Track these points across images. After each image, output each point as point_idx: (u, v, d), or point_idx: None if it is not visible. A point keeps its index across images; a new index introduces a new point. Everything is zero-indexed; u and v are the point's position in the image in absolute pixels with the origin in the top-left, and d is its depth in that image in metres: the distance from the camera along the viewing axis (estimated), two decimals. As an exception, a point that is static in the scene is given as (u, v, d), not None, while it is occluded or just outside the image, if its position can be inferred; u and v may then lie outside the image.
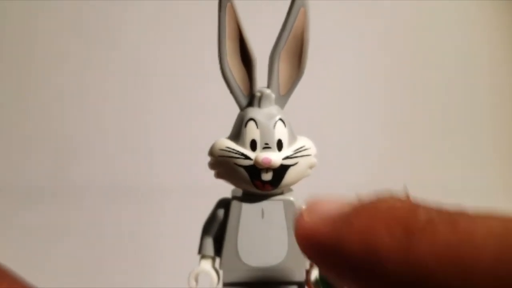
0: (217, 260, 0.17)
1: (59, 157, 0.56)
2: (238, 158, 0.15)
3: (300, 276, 0.16)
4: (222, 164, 0.16)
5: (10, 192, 0.52)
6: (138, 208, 0.49)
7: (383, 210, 0.11)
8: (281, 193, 0.16)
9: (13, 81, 0.59)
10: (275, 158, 0.15)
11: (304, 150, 0.16)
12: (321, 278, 0.15)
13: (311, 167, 0.16)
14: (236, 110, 0.17)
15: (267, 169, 0.15)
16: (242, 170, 0.15)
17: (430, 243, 0.09)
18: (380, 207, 0.11)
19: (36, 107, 0.58)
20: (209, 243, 0.17)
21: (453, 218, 0.10)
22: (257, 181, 0.15)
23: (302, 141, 0.16)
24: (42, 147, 0.57)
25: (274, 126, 0.15)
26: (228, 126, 0.17)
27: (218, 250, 0.17)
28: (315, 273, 0.16)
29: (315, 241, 0.12)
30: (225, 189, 0.17)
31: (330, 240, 0.11)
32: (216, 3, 0.15)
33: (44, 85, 0.59)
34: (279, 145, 0.15)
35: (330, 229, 0.11)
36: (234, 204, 0.16)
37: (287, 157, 0.15)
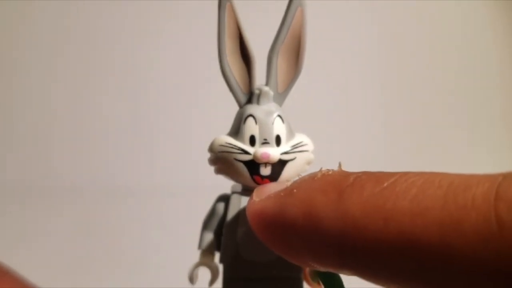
0: (217, 254, 0.17)
1: (59, 157, 0.57)
2: (237, 153, 0.15)
3: (298, 270, 0.16)
4: (221, 160, 0.16)
5: (11, 191, 0.52)
6: (138, 208, 0.49)
7: (318, 178, 0.12)
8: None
9: (10, 80, 0.59)
10: (274, 153, 0.15)
11: (302, 146, 0.16)
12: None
13: (308, 163, 0.17)
14: (235, 111, 0.17)
15: (266, 164, 0.15)
16: (241, 165, 0.15)
17: (357, 195, 0.11)
18: (315, 177, 0.12)
19: (34, 105, 0.58)
20: (209, 237, 0.17)
21: (378, 175, 0.11)
22: (256, 176, 0.16)
23: (300, 137, 0.16)
24: (44, 147, 0.57)
25: (273, 122, 0.16)
26: (228, 126, 0.17)
27: (218, 244, 0.17)
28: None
29: (263, 216, 0.13)
30: (225, 189, 0.18)
31: (275, 212, 0.12)
32: (216, 3, 0.16)
33: (42, 83, 0.59)
34: (278, 140, 0.16)
35: (275, 202, 0.13)
36: (234, 197, 0.17)
37: (285, 152, 0.16)
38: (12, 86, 0.59)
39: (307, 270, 0.16)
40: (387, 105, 0.61)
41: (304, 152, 0.16)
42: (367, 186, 0.11)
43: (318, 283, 0.16)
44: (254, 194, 0.14)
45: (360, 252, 0.10)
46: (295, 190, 0.12)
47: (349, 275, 0.12)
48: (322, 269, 0.12)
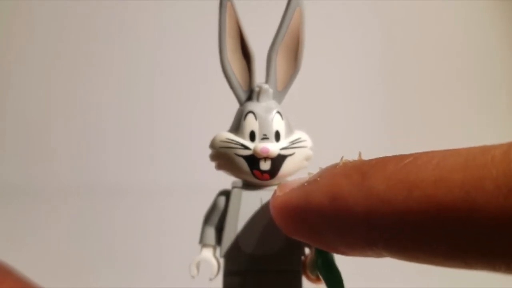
0: (218, 249, 0.17)
1: (58, 156, 0.57)
2: (237, 148, 0.16)
3: (298, 265, 0.17)
4: (222, 155, 0.16)
5: (13, 191, 0.52)
6: (137, 207, 0.50)
7: (340, 166, 0.13)
8: (279, 184, 0.17)
9: (10, 80, 0.59)
10: (273, 147, 0.16)
11: (300, 141, 0.17)
12: (320, 256, 0.16)
13: (307, 159, 0.17)
14: (235, 110, 0.17)
15: (265, 159, 0.16)
16: (242, 160, 0.16)
17: (381, 173, 0.11)
18: (337, 165, 0.13)
19: (33, 105, 0.59)
20: (210, 232, 0.17)
21: (399, 156, 0.11)
22: (256, 171, 0.16)
23: (299, 134, 0.17)
24: (46, 147, 0.57)
25: (272, 118, 0.16)
26: (228, 125, 0.17)
27: (219, 239, 0.17)
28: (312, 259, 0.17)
29: (288, 207, 0.13)
30: (225, 187, 0.18)
31: (301, 201, 0.13)
32: (216, 2, 0.16)
33: (41, 83, 0.59)
34: (277, 136, 0.16)
35: (300, 192, 0.13)
36: (234, 192, 0.17)
37: (284, 148, 0.16)
38: (11, 86, 0.59)
39: (307, 263, 0.17)
40: (385, 102, 0.62)
41: (303, 148, 0.17)
42: (390, 164, 0.11)
43: (317, 277, 0.16)
44: (278, 189, 0.14)
45: (386, 225, 0.11)
46: (318, 179, 0.13)
47: (375, 256, 0.12)
48: (350, 252, 0.12)
